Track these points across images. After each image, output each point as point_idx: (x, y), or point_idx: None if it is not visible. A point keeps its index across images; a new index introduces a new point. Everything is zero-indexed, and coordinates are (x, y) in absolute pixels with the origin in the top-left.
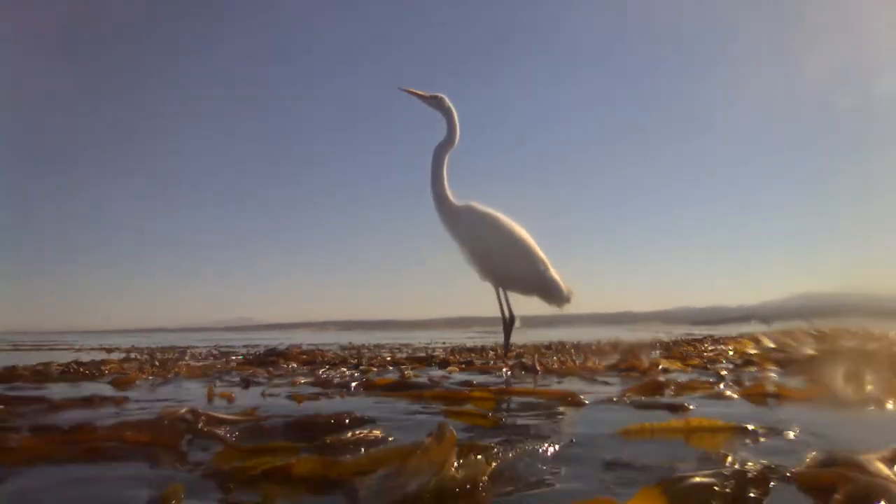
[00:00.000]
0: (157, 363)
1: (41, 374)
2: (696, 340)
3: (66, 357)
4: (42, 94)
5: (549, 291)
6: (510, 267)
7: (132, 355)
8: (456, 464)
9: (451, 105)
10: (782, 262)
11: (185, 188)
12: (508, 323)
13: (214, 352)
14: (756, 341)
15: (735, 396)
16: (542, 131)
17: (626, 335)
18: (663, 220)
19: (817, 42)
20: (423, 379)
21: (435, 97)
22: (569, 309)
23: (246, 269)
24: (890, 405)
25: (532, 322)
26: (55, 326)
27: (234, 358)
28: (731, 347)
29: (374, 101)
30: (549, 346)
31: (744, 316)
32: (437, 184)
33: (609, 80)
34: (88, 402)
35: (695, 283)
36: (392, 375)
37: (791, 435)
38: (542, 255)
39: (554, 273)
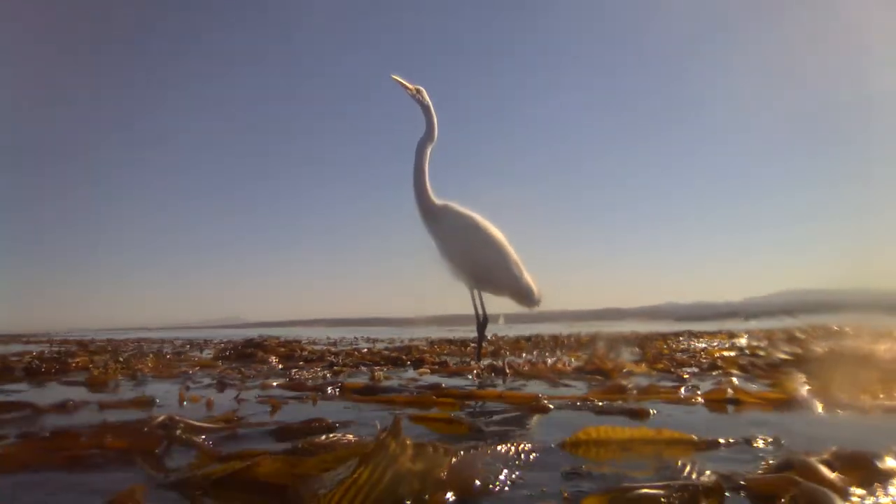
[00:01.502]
0: (120, 360)
1: (8, 371)
2: (672, 334)
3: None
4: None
5: (521, 293)
6: (484, 268)
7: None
8: (411, 456)
9: (429, 101)
10: (770, 258)
11: (171, 187)
12: (482, 323)
13: (188, 345)
14: (731, 336)
15: (697, 401)
16: (531, 129)
17: (606, 329)
18: (651, 216)
19: (811, 34)
20: (393, 382)
21: (418, 90)
22: (555, 306)
23: (235, 268)
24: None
25: (518, 318)
26: (38, 326)
27: (207, 351)
28: (704, 343)
29: (367, 98)
30: (528, 339)
31: (729, 312)
32: (419, 180)
33: (595, 76)
34: (63, 406)
35: (681, 279)
36: (363, 378)
37: (749, 441)
38: (515, 257)
39: (526, 275)
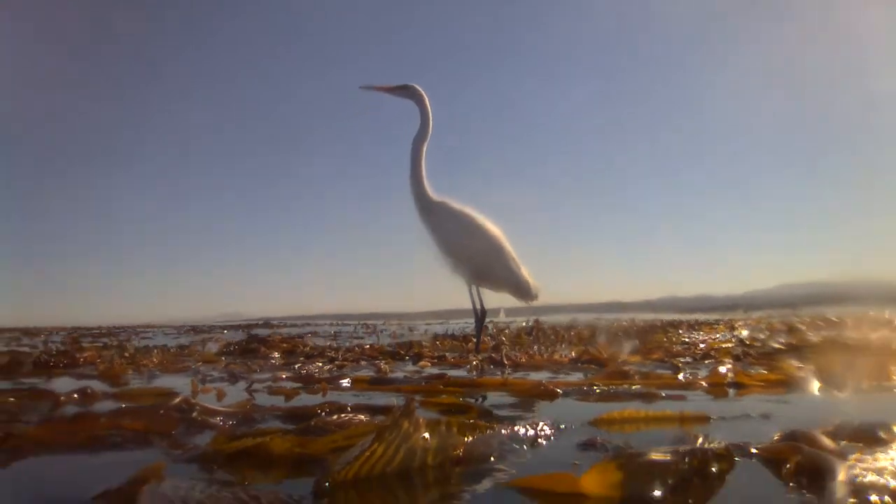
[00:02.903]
0: (126, 354)
1: (18, 364)
2: (671, 325)
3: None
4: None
5: (518, 287)
6: (482, 264)
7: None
8: (427, 435)
9: (422, 93)
10: (772, 251)
11: (170, 183)
12: (480, 317)
13: (194, 339)
14: (731, 328)
15: (699, 385)
16: (535, 125)
17: (605, 319)
18: (653, 210)
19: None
20: (398, 374)
21: (405, 87)
22: (558, 299)
23: (235, 265)
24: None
25: (519, 312)
26: (39, 322)
27: (210, 345)
28: (703, 334)
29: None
30: (529, 333)
31: (730, 305)
32: (416, 177)
33: (596, 68)
34: (83, 393)
35: (684, 272)
36: (367, 371)
37: (759, 416)
38: (512, 252)
39: (523, 270)
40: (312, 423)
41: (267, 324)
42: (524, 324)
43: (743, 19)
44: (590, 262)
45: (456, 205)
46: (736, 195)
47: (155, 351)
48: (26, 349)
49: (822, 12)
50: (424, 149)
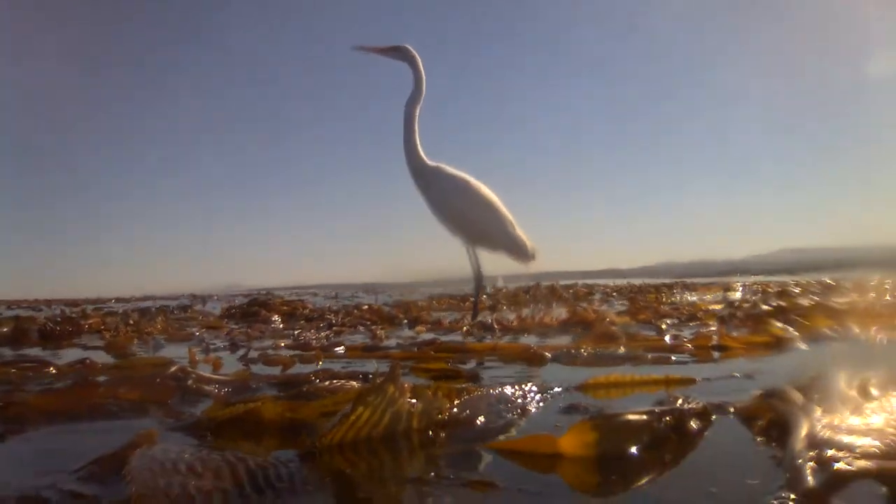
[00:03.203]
0: (131, 322)
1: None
2: (665, 286)
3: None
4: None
5: (516, 249)
6: (478, 225)
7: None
8: (412, 399)
9: (415, 54)
10: (771, 215)
11: (169, 158)
12: (478, 280)
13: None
14: (726, 289)
15: (685, 347)
16: (532, 97)
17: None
18: (650, 172)
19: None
20: (392, 342)
21: (396, 48)
22: (556, 266)
23: (233, 235)
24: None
25: (517, 278)
26: (40, 293)
27: (212, 305)
28: (696, 296)
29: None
30: (527, 292)
31: (728, 269)
32: (410, 141)
33: (595, 44)
34: (81, 364)
35: (682, 238)
36: (363, 337)
37: (740, 376)
38: (508, 215)
39: (520, 232)
40: (304, 389)
41: (269, 293)
42: (523, 289)
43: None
44: (588, 229)
45: (451, 169)
46: (736, 158)
47: (159, 318)
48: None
49: None
50: (417, 112)
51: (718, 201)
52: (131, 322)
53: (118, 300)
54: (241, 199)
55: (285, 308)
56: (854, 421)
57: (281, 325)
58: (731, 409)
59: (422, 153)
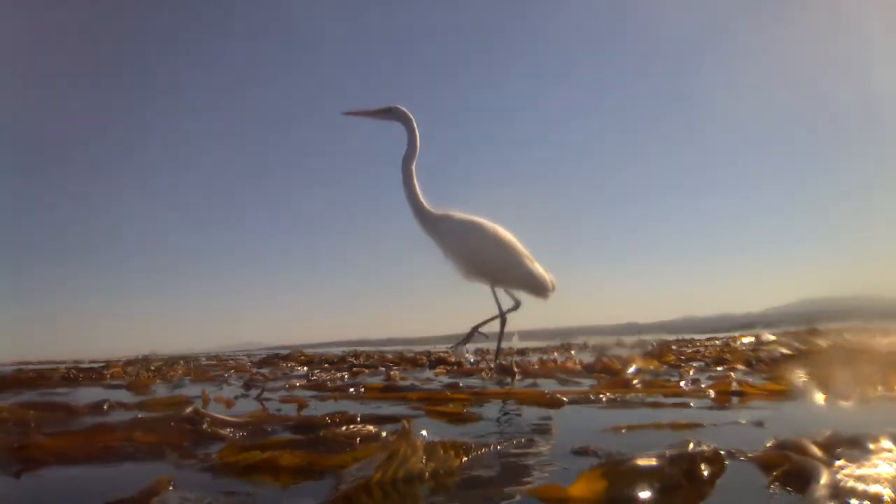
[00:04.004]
0: (153, 368)
1: (44, 379)
2: (687, 341)
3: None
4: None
5: (534, 283)
6: (494, 265)
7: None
8: (424, 458)
9: (408, 114)
10: (787, 266)
11: (181, 211)
12: (502, 318)
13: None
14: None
15: (705, 394)
16: (543, 145)
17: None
18: (665, 230)
19: (817, 40)
20: (408, 382)
21: (388, 109)
22: (573, 322)
23: (248, 294)
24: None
25: (535, 336)
26: (47, 355)
27: (232, 362)
28: (714, 347)
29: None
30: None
31: (749, 323)
32: (412, 196)
33: (604, 82)
34: (100, 406)
35: (699, 291)
36: (380, 378)
37: (753, 424)
38: (524, 250)
39: (538, 266)
40: (321, 433)
41: (291, 350)
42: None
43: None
44: (604, 284)
45: (460, 215)
46: (750, 210)
47: (181, 363)
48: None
49: None
50: (414, 167)
51: (735, 254)
52: (153, 368)
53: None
54: (257, 257)
55: (303, 358)
56: (879, 469)
57: (301, 369)
58: (744, 457)
59: (425, 204)
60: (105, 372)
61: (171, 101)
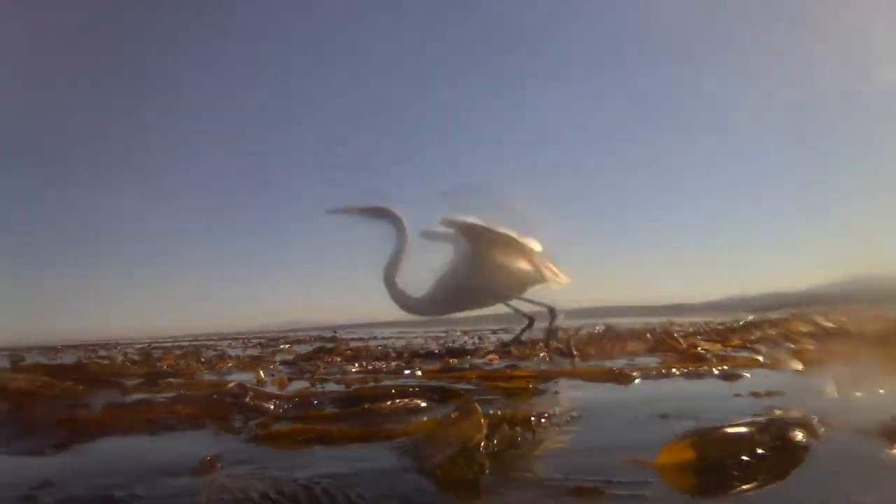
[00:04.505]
0: (202, 359)
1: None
2: (749, 323)
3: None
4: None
5: (546, 278)
6: (498, 285)
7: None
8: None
9: (399, 215)
10: (843, 242)
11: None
12: (551, 312)
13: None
14: (807, 322)
15: (782, 366)
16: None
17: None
18: (712, 208)
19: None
20: (465, 366)
21: (379, 209)
22: (616, 301)
23: (288, 272)
24: None
25: (580, 314)
26: (92, 335)
27: (281, 348)
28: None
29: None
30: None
31: (799, 301)
32: (400, 300)
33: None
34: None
35: (747, 269)
36: (435, 363)
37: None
38: (528, 244)
39: (545, 261)
40: (366, 406)
41: (332, 338)
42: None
43: None
44: (649, 264)
45: (444, 287)
46: (803, 185)
47: (231, 357)
48: (106, 362)
49: None
50: (396, 274)
51: (784, 227)
52: (203, 360)
53: (181, 337)
54: (301, 231)
55: (348, 353)
56: None
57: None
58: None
59: (405, 292)
60: (158, 365)
61: (171, 101)
